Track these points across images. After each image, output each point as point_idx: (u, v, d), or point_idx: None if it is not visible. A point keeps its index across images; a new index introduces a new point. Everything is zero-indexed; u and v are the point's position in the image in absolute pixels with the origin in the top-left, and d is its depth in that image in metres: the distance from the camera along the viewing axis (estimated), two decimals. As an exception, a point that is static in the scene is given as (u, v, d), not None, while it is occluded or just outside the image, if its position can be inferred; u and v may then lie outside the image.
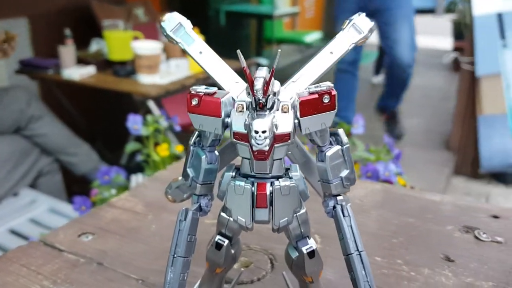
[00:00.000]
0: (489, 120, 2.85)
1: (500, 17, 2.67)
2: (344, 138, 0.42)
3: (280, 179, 0.41)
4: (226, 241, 0.44)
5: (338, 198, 0.43)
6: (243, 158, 0.41)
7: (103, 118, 2.77)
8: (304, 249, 0.43)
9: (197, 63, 0.45)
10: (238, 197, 0.41)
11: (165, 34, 0.45)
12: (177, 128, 1.41)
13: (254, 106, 0.39)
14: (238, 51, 0.39)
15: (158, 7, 3.28)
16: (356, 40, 0.44)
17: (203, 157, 0.42)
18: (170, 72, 2.32)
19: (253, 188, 0.41)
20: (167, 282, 0.42)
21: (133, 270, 0.60)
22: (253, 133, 0.38)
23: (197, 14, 3.05)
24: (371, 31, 0.44)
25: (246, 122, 0.39)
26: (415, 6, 3.02)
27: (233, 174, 0.42)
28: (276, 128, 0.39)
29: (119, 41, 2.29)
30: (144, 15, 2.91)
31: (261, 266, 0.60)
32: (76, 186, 2.27)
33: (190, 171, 0.43)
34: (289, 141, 0.40)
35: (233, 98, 0.42)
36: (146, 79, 2.21)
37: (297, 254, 0.44)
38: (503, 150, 2.81)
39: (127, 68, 2.30)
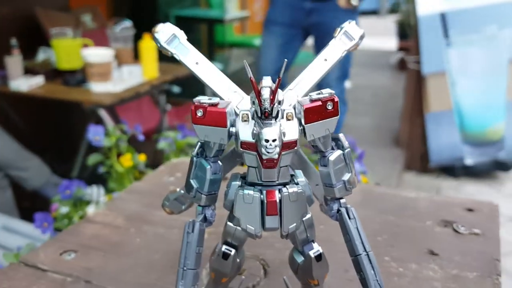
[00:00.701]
0: (436, 116, 2.98)
1: (443, 16, 2.80)
2: (345, 143, 0.43)
3: (287, 186, 0.42)
4: (233, 251, 0.44)
5: (341, 201, 0.44)
6: (249, 167, 0.41)
7: (53, 129, 2.68)
8: (312, 253, 0.44)
9: (194, 73, 0.45)
10: (247, 206, 0.41)
11: (159, 45, 0.45)
12: (141, 137, 1.39)
13: (259, 115, 0.39)
14: (245, 61, 0.40)
15: (105, 13, 3.20)
16: (348, 47, 0.46)
17: (208, 167, 0.42)
18: (123, 79, 2.28)
19: (261, 196, 0.41)
20: None
21: (123, 286, 0.58)
22: (263, 142, 0.38)
23: (146, 20, 3.00)
24: (361, 37, 0.46)
25: (255, 131, 0.39)
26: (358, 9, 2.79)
27: (239, 183, 0.42)
28: (284, 136, 0.39)
29: (68, 49, 2.22)
30: (92, 22, 2.83)
31: (254, 273, 0.60)
32: (26, 202, 2.18)
33: (193, 183, 0.43)
34: (295, 148, 0.40)
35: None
36: (98, 88, 2.15)
37: (303, 258, 0.45)
38: (450, 145, 2.94)
39: (77, 77, 2.23)
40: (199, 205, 0.44)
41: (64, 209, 1.32)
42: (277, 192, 0.41)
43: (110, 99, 2.10)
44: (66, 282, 0.59)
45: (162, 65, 2.52)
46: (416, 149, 3.11)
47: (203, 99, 0.41)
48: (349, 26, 0.46)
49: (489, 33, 2.88)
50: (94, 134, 1.29)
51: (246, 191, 0.41)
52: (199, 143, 0.43)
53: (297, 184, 0.42)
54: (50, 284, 0.58)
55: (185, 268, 0.42)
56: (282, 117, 0.40)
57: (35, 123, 2.59)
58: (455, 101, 2.91)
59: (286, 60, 0.40)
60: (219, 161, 0.43)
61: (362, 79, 4.93)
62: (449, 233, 0.67)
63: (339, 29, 0.46)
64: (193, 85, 3.30)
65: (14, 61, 2.13)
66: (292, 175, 0.43)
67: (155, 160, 1.56)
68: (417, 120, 3.08)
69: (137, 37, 2.41)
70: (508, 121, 2.95)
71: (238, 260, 0.45)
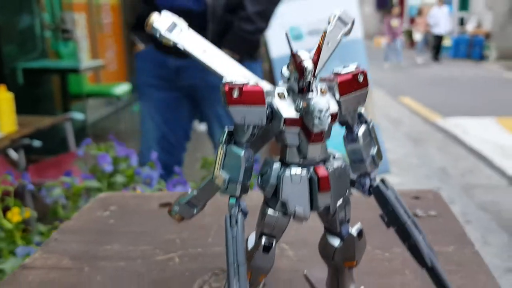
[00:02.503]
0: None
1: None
2: (368, 117, 0.43)
3: (329, 161, 0.40)
4: (274, 241, 0.40)
5: (371, 176, 0.43)
6: (288, 147, 0.39)
7: None
8: (354, 231, 0.42)
9: (203, 63, 0.42)
10: (295, 186, 0.38)
11: (159, 35, 0.41)
12: (30, 186, 1.23)
13: (297, 91, 0.38)
14: (286, 33, 0.38)
15: None
16: (344, 31, 0.47)
17: (242, 153, 0.39)
18: (-24, 137, 2.03)
19: (308, 175, 0.39)
20: None
21: (106, 327, 0.49)
22: (316, 113, 0.36)
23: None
24: (353, 23, 0.48)
25: (301, 106, 0.37)
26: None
27: (279, 165, 0.39)
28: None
29: None
30: None
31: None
32: None
33: (224, 173, 0.39)
34: (336, 121, 0.40)
35: None
36: None
37: (340, 240, 0.43)
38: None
39: None
40: (232, 197, 0.39)
41: None
42: (323, 168, 0.39)
43: (-36, 159, 1.84)
44: (29, 337, 0.48)
45: (20, 118, 2.30)
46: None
47: (233, 79, 0.38)
48: (341, 12, 0.47)
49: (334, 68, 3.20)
50: (-26, 188, 1.10)
51: (293, 171, 0.38)
52: (226, 131, 0.40)
53: (336, 158, 0.41)
54: None
55: (236, 264, 0.37)
56: (317, 93, 0.39)
57: None
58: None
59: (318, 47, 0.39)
60: (249, 148, 0.40)
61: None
62: (410, 218, 0.70)
63: (333, 15, 0.47)
64: (54, 139, 3.05)
65: None
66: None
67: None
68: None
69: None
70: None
71: (275, 253, 0.42)
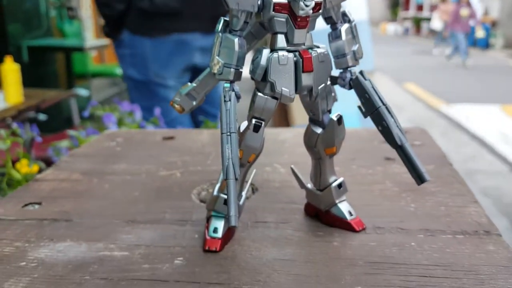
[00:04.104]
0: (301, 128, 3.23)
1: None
2: (351, 17, 0.48)
3: (314, 48, 0.45)
4: (263, 123, 0.45)
5: (352, 70, 0.48)
6: (277, 33, 0.44)
7: None
8: (334, 117, 0.47)
9: None
10: (282, 67, 0.43)
11: None
12: (39, 139, 1.28)
13: None
14: None
15: None
16: None
17: (236, 39, 0.43)
18: (-16, 106, 2.08)
19: (295, 58, 0.44)
20: (226, 158, 0.41)
21: (113, 217, 0.54)
22: None
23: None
24: None
25: None
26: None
27: (269, 50, 0.44)
28: None
29: None
30: None
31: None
32: None
33: (220, 59, 0.44)
34: (320, 11, 0.44)
35: None
36: (-44, 117, 1.93)
37: (322, 129, 0.48)
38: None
39: None
40: (227, 82, 0.44)
41: None
42: (308, 51, 0.44)
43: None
44: (43, 224, 0.53)
45: (27, 90, 2.35)
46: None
47: None
48: None
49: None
50: (-15, 137, 1.16)
51: (281, 53, 0.43)
52: (222, 20, 0.44)
53: (320, 48, 0.45)
54: (26, 228, 0.52)
55: (229, 133, 0.42)
56: None
57: None
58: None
59: None
60: (242, 37, 0.45)
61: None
62: (395, 147, 0.75)
63: None
64: (59, 116, 3.09)
65: None
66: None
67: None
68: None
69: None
70: (362, 124, 3.30)
71: (263, 137, 0.46)
